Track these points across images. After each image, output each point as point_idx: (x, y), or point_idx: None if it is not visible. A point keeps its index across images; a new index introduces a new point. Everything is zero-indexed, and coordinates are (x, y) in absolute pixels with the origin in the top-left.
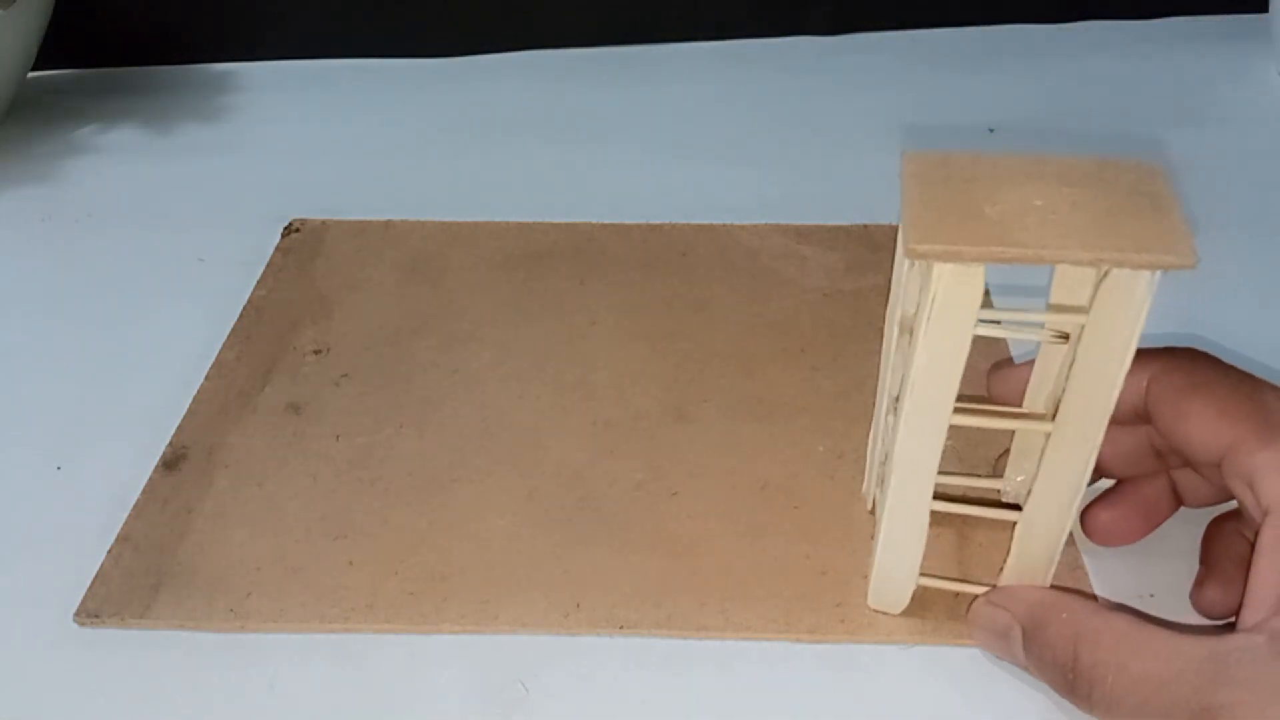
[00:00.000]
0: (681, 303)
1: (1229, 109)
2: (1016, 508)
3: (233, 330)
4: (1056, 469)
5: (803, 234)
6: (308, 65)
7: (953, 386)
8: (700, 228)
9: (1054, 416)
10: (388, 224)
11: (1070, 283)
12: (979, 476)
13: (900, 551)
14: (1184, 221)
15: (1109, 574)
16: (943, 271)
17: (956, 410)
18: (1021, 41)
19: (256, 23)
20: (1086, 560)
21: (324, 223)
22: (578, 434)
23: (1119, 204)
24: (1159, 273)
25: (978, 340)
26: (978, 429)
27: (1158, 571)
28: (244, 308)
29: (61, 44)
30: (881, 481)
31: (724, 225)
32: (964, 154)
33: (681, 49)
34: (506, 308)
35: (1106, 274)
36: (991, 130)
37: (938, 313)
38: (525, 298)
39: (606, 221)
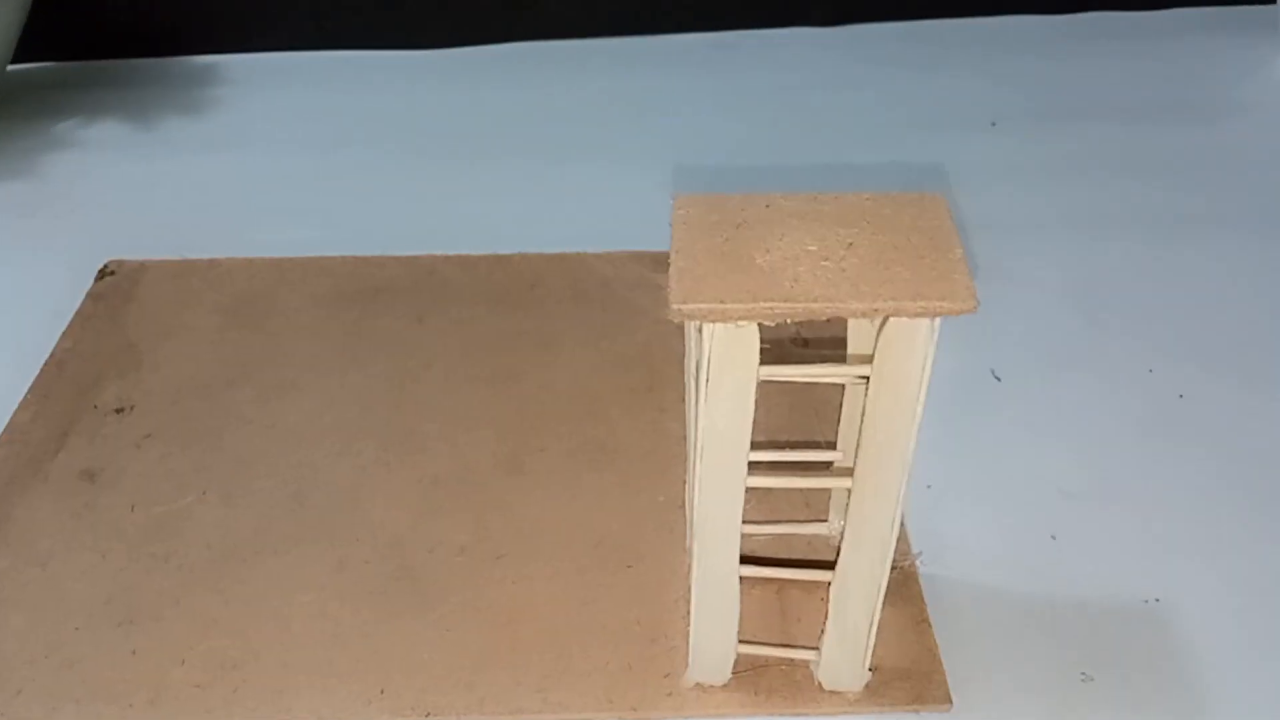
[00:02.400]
0: (527, 340)
1: (1235, 101)
2: (830, 565)
3: (31, 388)
4: (862, 526)
5: (660, 261)
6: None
7: (742, 446)
8: (552, 257)
9: (854, 471)
10: (211, 263)
11: (861, 329)
12: (799, 522)
13: (714, 620)
14: (963, 260)
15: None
16: (714, 331)
17: (753, 471)
18: (1023, 33)
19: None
20: (933, 613)
21: (142, 264)
22: (401, 493)
23: (897, 244)
24: (939, 319)
25: (786, 384)
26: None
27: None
28: (45, 362)
29: (41, 36)
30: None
31: (578, 254)
32: (737, 197)
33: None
34: (334, 352)
35: (885, 323)
36: (994, 124)
37: (714, 374)
38: (356, 340)
39: (450, 253)
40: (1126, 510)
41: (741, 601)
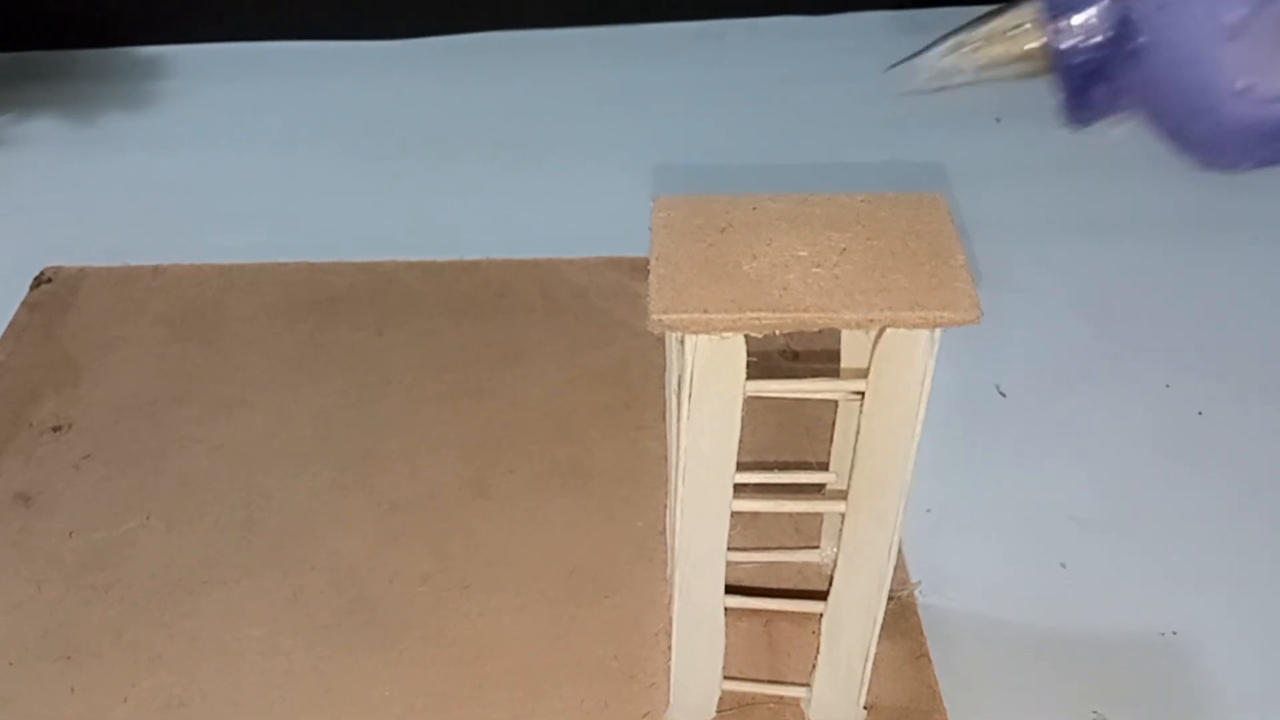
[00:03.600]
0: (494, 354)
1: None
2: (822, 596)
3: None
4: (856, 554)
5: (639, 268)
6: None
7: (727, 467)
8: (522, 264)
9: (848, 494)
10: (156, 270)
11: (855, 341)
12: (788, 549)
13: (697, 655)
14: (965, 267)
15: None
16: (697, 344)
17: (739, 494)
18: None
19: None
20: (933, 646)
21: (81, 271)
22: (359, 519)
23: (894, 250)
24: (939, 330)
25: (774, 400)
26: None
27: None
28: None
29: None
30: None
31: (550, 260)
32: (722, 198)
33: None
34: (287, 366)
35: (881, 334)
36: (999, 120)
37: (698, 389)
38: (310, 354)
39: (413, 259)
40: (1141, 536)
41: (727, 635)
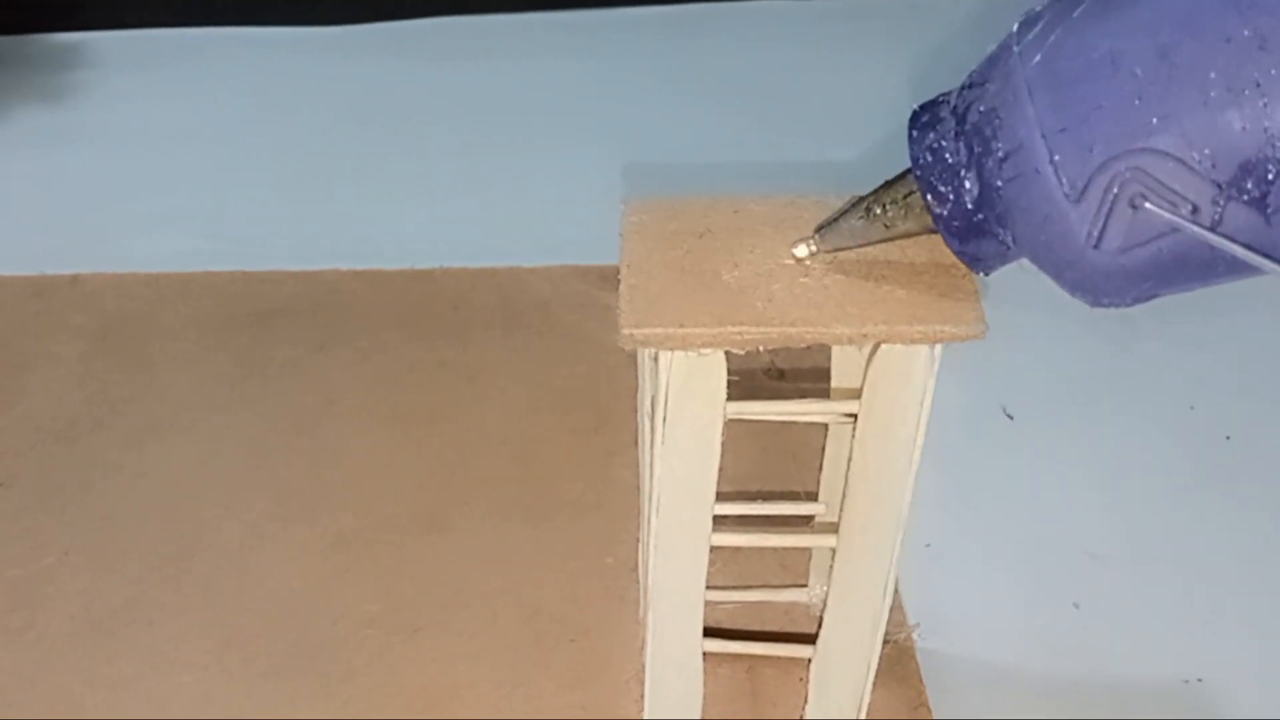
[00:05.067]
0: (448, 372)
1: None
2: (811, 640)
3: None
4: (848, 594)
5: (608, 277)
6: None
7: (706, 497)
8: (479, 273)
9: (839, 527)
10: (74, 280)
11: (847, 358)
12: (773, 587)
13: (673, 703)
14: (969, 276)
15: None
16: (672, 361)
17: (718, 527)
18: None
19: None
20: (933, 696)
21: None
22: (299, 555)
23: (890, 256)
24: (940, 346)
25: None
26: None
27: None
28: None
29: None
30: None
31: (510, 269)
32: (699, 200)
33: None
34: (221, 386)
35: (876, 351)
36: None
37: (673, 411)
38: (246, 372)
39: (358, 268)
40: (1163, 574)
41: (706, 682)
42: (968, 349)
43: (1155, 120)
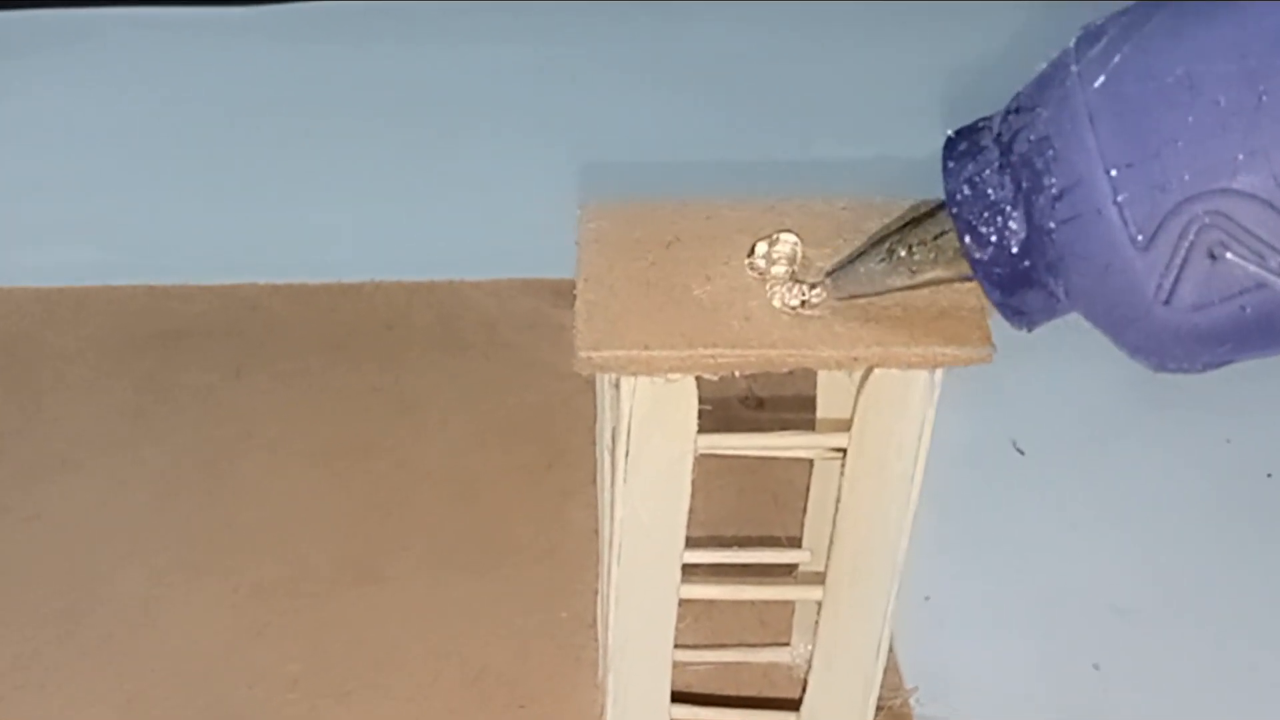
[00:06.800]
0: (381, 401)
1: None
2: (794, 706)
3: None
4: (836, 654)
5: (562, 292)
6: None
7: (674, 544)
8: (416, 287)
9: (825, 577)
10: None
11: (835, 385)
12: (751, 646)
13: None
14: (975, 291)
15: None
16: (636, 388)
17: (688, 578)
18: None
19: None
20: None
21: None
22: (211, 608)
23: None
24: (941, 371)
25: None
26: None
27: None
28: None
29: None
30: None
31: (449, 282)
32: (666, 204)
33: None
34: (122, 417)
35: (868, 377)
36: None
37: (637, 446)
38: (150, 401)
39: (278, 281)
40: (1197, 631)
41: None
42: (973, 374)
43: (1240, 157)
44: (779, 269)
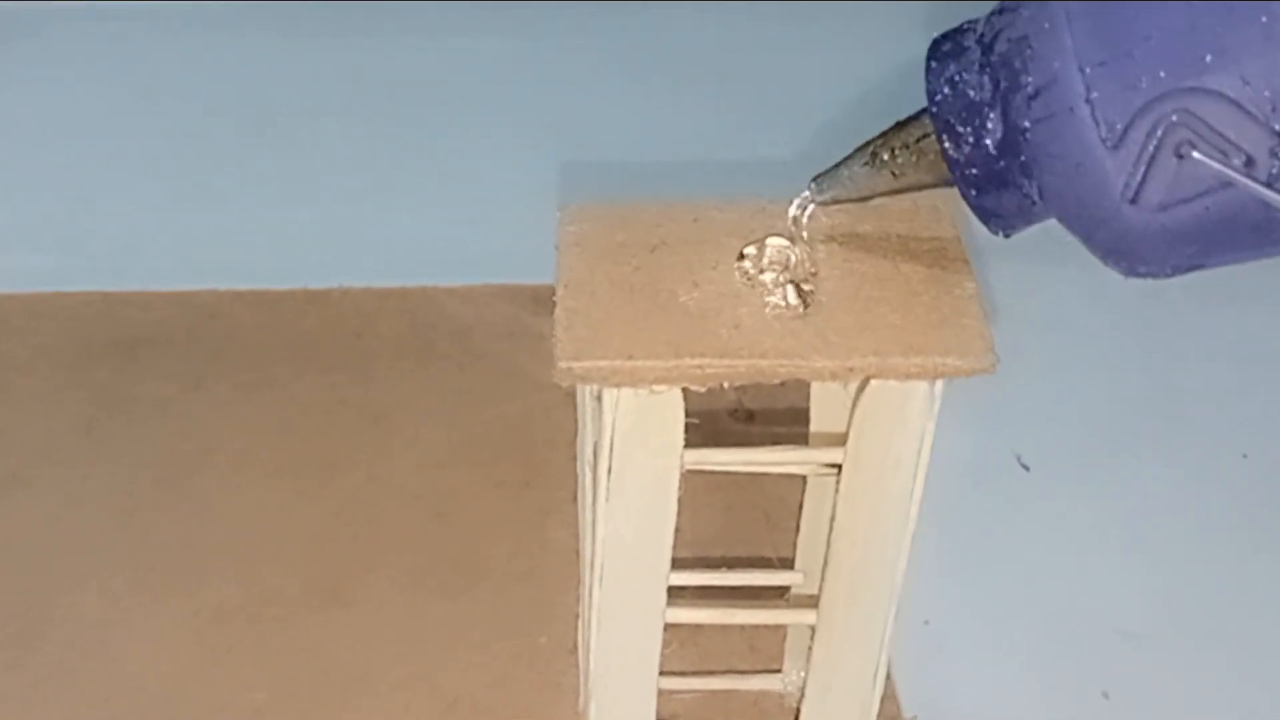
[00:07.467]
0: (350, 414)
1: None
2: None
3: None
4: (831, 681)
5: (541, 299)
6: None
7: (659, 565)
8: (386, 294)
9: (819, 600)
10: None
11: (830, 397)
12: (740, 673)
13: None
14: (976, 298)
15: None
16: (619, 400)
17: (674, 600)
18: None
19: None
20: None
21: None
22: (170, 633)
23: (881, 275)
24: (941, 382)
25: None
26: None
27: None
28: None
29: None
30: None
31: (422, 288)
32: (651, 206)
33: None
34: (75, 431)
35: (864, 388)
36: None
37: (620, 461)
38: (107, 413)
39: (241, 288)
40: (1209, 656)
41: None
42: (974, 385)
43: (1209, 56)
44: (769, 275)
